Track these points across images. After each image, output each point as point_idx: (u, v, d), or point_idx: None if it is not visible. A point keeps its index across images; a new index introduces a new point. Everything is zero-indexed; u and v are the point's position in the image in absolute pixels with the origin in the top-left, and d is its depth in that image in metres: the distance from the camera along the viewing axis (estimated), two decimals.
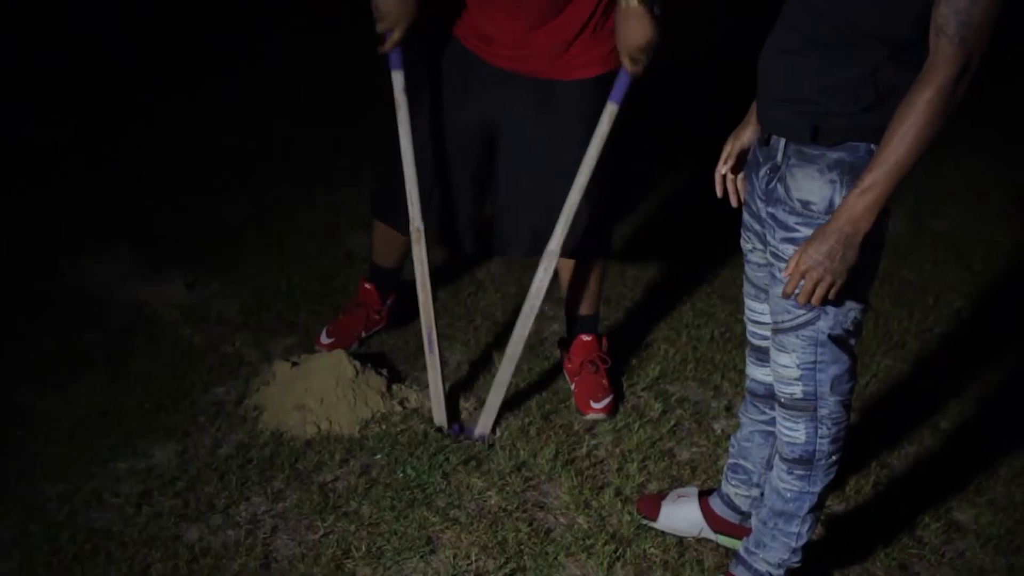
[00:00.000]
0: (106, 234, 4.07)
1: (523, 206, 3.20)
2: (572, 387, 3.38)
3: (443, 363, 3.47)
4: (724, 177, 2.52)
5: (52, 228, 4.13)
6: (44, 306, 3.66)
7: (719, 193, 2.54)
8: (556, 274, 3.31)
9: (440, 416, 3.20)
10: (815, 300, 2.19)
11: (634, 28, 2.87)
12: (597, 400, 3.31)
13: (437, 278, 3.98)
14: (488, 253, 3.60)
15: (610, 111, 3.00)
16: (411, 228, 3.18)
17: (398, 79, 3.09)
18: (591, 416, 3.29)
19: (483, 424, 3.18)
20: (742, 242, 2.52)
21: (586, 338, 3.42)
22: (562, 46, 3.03)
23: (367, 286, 3.62)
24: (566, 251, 3.19)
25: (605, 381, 3.35)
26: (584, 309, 3.44)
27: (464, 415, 3.29)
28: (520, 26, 3.01)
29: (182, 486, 2.90)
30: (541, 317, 3.76)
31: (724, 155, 2.51)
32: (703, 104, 5.19)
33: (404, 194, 3.18)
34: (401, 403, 3.25)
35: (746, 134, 2.47)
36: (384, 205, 3.40)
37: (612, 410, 3.32)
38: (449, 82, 3.15)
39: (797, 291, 2.21)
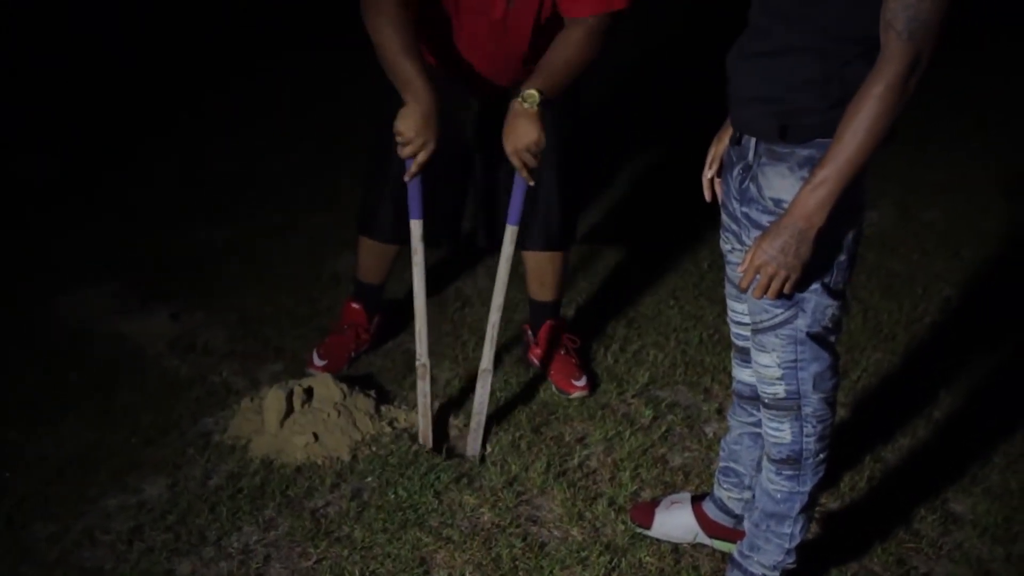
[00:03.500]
0: (89, 268, 4.07)
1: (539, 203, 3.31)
2: (549, 372, 3.49)
3: (431, 380, 3.47)
4: (712, 181, 2.51)
5: (34, 263, 4.13)
6: (27, 342, 3.66)
7: (707, 197, 2.54)
8: (523, 263, 3.52)
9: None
10: (770, 294, 2.20)
11: (524, 128, 2.90)
12: (577, 379, 3.44)
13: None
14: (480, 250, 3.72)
15: (510, 233, 3.05)
16: (417, 364, 3.17)
17: (416, 227, 3.06)
18: (576, 394, 3.41)
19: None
20: (721, 243, 2.51)
21: (553, 323, 3.57)
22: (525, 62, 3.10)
23: (354, 306, 3.62)
24: (539, 244, 3.39)
25: (577, 361, 3.52)
26: (548, 295, 3.57)
27: (454, 432, 3.28)
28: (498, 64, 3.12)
29: (173, 520, 2.88)
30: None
31: (709, 159, 2.52)
32: (688, 105, 5.19)
33: (387, 208, 3.28)
34: (390, 424, 3.24)
35: (729, 137, 2.47)
36: (368, 220, 3.45)
37: (592, 387, 3.45)
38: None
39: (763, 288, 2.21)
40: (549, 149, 3.00)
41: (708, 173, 2.52)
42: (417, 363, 3.16)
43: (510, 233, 3.04)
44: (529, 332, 3.63)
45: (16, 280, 4.02)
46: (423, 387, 3.16)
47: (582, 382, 3.44)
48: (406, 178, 2.99)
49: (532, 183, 2.99)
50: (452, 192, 3.37)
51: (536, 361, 3.55)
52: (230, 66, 5.99)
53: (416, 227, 3.05)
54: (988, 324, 3.89)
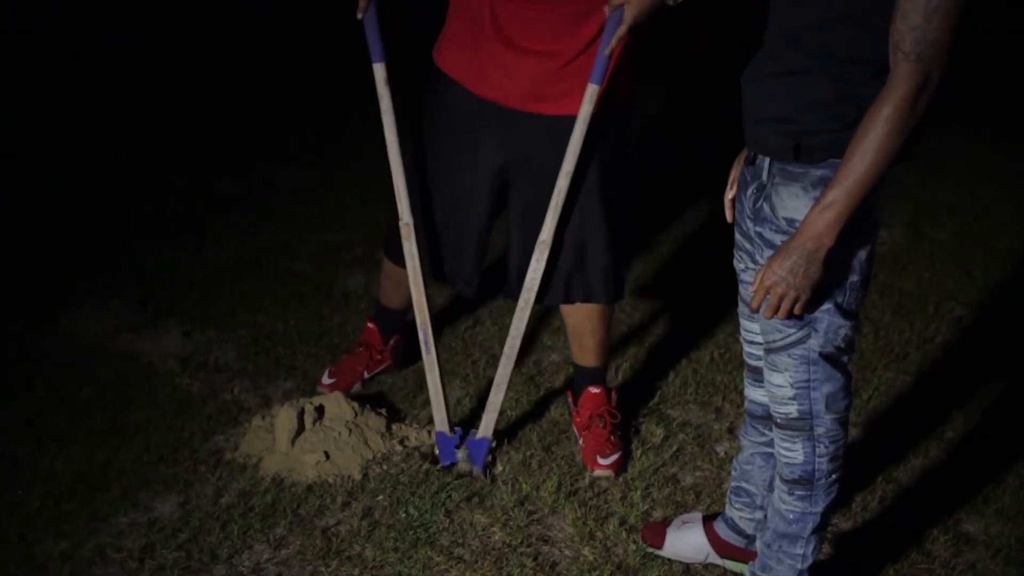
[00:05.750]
0: (97, 285, 4.07)
1: (552, 251, 3.08)
2: (580, 442, 3.27)
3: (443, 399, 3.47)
4: (733, 201, 2.51)
5: (41, 280, 4.14)
6: (38, 360, 3.65)
7: (728, 218, 2.52)
8: (563, 320, 3.34)
9: (441, 420, 3.17)
10: (780, 314, 2.19)
11: None
12: (604, 456, 3.19)
13: (434, 313, 3.98)
14: (493, 295, 3.58)
15: (590, 92, 2.88)
16: (400, 224, 3.11)
17: (380, 71, 3.01)
18: (599, 472, 3.17)
19: (485, 426, 3.15)
20: (735, 262, 2.51)
21: (594, 390, 3.32)
22: (571, 71, 2.95)
23: (370, 326, 3.61)
24: (579, 295, 3.16)
25: (613, 437, 3.25)
26: (591, 360, 3.34)
27: (466, 452, 3.27)
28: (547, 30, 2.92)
29: (184, 538, 2.88)
30: (540, 348, 3.76)
31: (730, 180, 2.51)
32: (702, 123, 5.21)
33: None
34: (401, 442, 3.24)
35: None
36: (393, 247, 3.26)
37: (619, 467, 3.20)
38: (460, 125, 3.07)
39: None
40: (592, 189, 2.98)
41: (729, 194, 2.51)
42: (400, 223, 3.10)
43: (590, 93, 2.87)
44: (570, 398, 3.42)
45: (24, 297, 4.02)
46: (409, 248, 3.09)
47: (609, 460, 3.18)
48: (359, 14, 2.94)
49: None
50: (480, 234, 3.19)
51: (576, 429, 3.33)
52: (230, 78, 6.02)
53: (379, 70, 3.00)
54: (999, 343, 3.88)
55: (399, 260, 3.23)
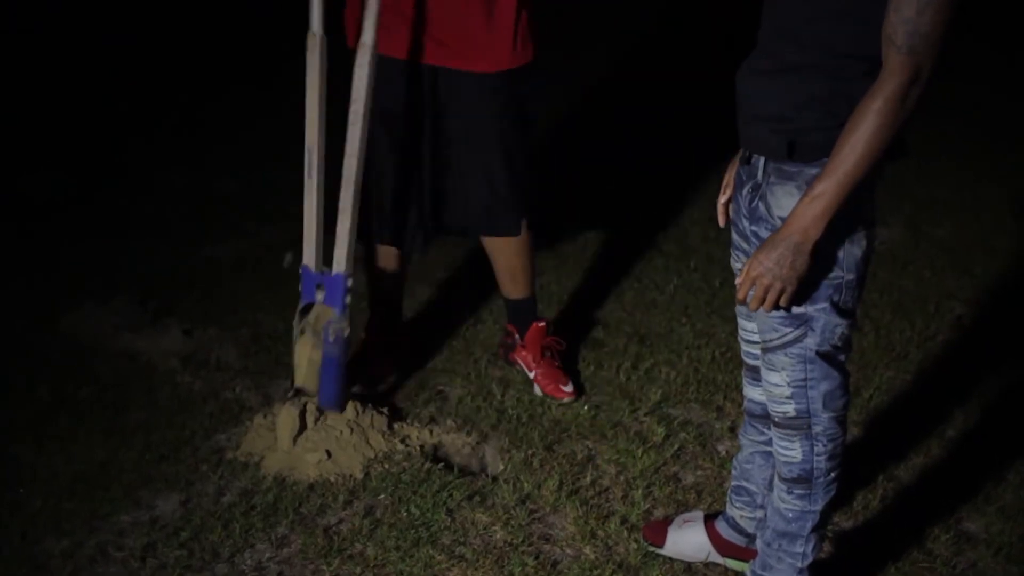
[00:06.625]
0: (97, 284, 4.07)
1: (469, 186, 3.35)
2: (532, 375, 3.54)
3: (443, 397, 3.48)
4: (726, 206, 2.51)
5: (42, 279, 4.14)
6: (37, 358, 3.66)
7: (721, 223, 2.54)
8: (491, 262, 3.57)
9: (310, 255, 3.16)
10: (766, 307, 2.20)
11: None
12: (565, 384, 3.51)
13: (435, 312, 4.00)
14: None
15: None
16: (308, 35, 3.12)
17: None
18: (566, 400, 3.47)
19: (337, 261, 3.13)
20: (732, 261, 2.51)
21: (540, 324, 3.58)
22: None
23: (370, 327, 3.65)
24: (479, 228, 3.44)
25: (561, 365, 3.56)
26: (515, 292, 3.59)
27: (467, 449, 3.28)
28: None
29: (186, 536, 2.88)
30: None
31: (724, 184, 2.51)
32: (705, 126, 5.20)
33: (376, 211, 3.33)
34: (403, 441, 3.24)
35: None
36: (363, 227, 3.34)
37: (578, 392, 3.51)
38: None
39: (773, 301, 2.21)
40: (490, 132, 3.20)
41: (722, 198, 2.51)
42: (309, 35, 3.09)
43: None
44: (516, 335, 3.61)
45: (24, 296, 4.02)
46: (313, 61, 3.10)
47: (569, 387, 3.50)
48: None
49: None
50: (396, 183, 3.37)
51: (522, 363, 3.59)
52: (228, 75, 6.02)
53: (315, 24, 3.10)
54: (1000, 342, 3.88)
55: (380, 239, 3.45)
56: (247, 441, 3.24)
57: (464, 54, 3.20)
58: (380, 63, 3.08)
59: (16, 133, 5.18)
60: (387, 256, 3.51)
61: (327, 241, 3.17)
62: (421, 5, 3.15)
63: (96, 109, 5.55)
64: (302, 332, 3.20)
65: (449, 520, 2.96)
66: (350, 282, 3.16)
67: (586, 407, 3.45)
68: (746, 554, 2.76)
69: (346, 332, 3.16)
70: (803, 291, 2.22)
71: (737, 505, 2.78)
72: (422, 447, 3.23)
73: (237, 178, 5.03)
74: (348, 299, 3.16)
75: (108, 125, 5.40)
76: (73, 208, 4.70)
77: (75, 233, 4.49)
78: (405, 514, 2.96)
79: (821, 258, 2.17)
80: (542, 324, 3.59)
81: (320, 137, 3.12)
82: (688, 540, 2.84)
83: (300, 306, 3.20)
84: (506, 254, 3.51)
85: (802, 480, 2.44)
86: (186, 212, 4.74)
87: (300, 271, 3.19)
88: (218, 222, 4.64)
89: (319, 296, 3.16)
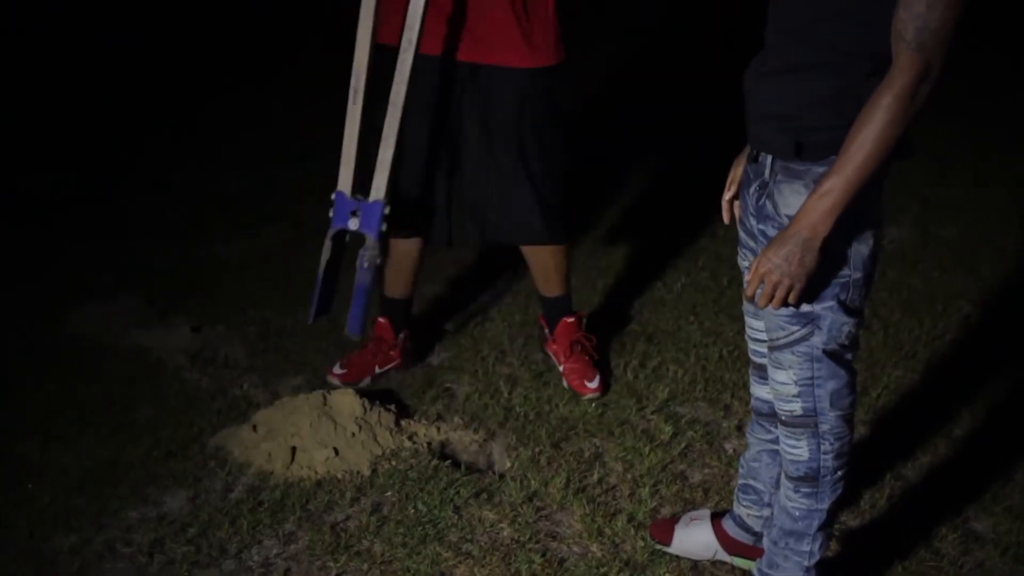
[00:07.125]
0: (105, 281, 4.09)
1: (515, 194, 3.33)
2: (561, 368, 3.56)
3: (450, 395, 3.48)
4: (730, 203, 2.51)
5: (50, 276, 4.15)
6: (47, 356, 3.67)
7: (726, 219, 2.54)
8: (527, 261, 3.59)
9: (346, 180, 3.12)
10: (774, 304, 2.19)
11: None
12: (591, 380, 3.50)
13: (444, 309, 4.01)
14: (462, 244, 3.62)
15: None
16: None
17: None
18: (588, 396, 3.47)
19: (376, 188, 3.10)
20: (739, 259, 2.51)
21: (569, 320, 3.61)
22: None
23: (381, 320, 3.63)
24: (516, 237, 3.44)
25: (591, 361, 3.56)
26: (557, 290, 3.61)
27: (474, 447, 3.28)
28: None
29: (194, 532, 2.89)
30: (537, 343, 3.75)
31: (729, 181, 2.51)
32: (714, 123, 5.19)
33: (410, 202, 3.30)
34: (410, 438, 3.24)
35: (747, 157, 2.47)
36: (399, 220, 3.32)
37: (604, 388, 3.51)
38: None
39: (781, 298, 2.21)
40: (526, 140, 3.18)
41: (727, 195, 2.51)
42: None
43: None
44: (546, 328, 3.67)
45: (31, 295, 4.03)
46: (353, 114, 3.09)
47: (595, 383, 3.50)
48: None
49: None
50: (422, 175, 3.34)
51: (552, 356, 3.63)
52: (236, 74, 6.04)
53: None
54: (1008, 342, 3.87)
55: (406, 231, 3.42)
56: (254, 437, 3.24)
57: (502, 52, 3.17)
58: (418, 61, 3.05)
59: (16, 133, 5.19)
60: (407, 250, 3.51)
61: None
62: (460, 2, 3.13)
63: (97, 109, 5.56)
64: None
65: (456, 517, 2.96)
66: (387, 210, 3.11)
67: (593, 405, 3.45)
68: (753, 552, 2.76)
69: (379, 260, 3.15)
70: (810, 289, 2.21)
71: (744, 503, 2.78)
72: (429, 444, 3.23)
73: (243, 177, 5.04)
74: (384, 227, 3.11)
75: (108, 125, 5.41)
76: (74, 208, 4.71)
77: (77, 233, 4.49)
78: (412, 511, 2.97)
79: (829, 256, 2.16)
80: (571, 320, 3.61)
81: (368, 59, 3.04)
82: (695, 538, 2.84)
83: (331, 232, 3.14)
84: (540, 255, 3.54)
85: (809, 479, 2.44)
86: (192, 211, 4.75)
87: (333, 197, 3.13)
88: (225, 221, 4.65)
89: (352, 224, 3.12)
